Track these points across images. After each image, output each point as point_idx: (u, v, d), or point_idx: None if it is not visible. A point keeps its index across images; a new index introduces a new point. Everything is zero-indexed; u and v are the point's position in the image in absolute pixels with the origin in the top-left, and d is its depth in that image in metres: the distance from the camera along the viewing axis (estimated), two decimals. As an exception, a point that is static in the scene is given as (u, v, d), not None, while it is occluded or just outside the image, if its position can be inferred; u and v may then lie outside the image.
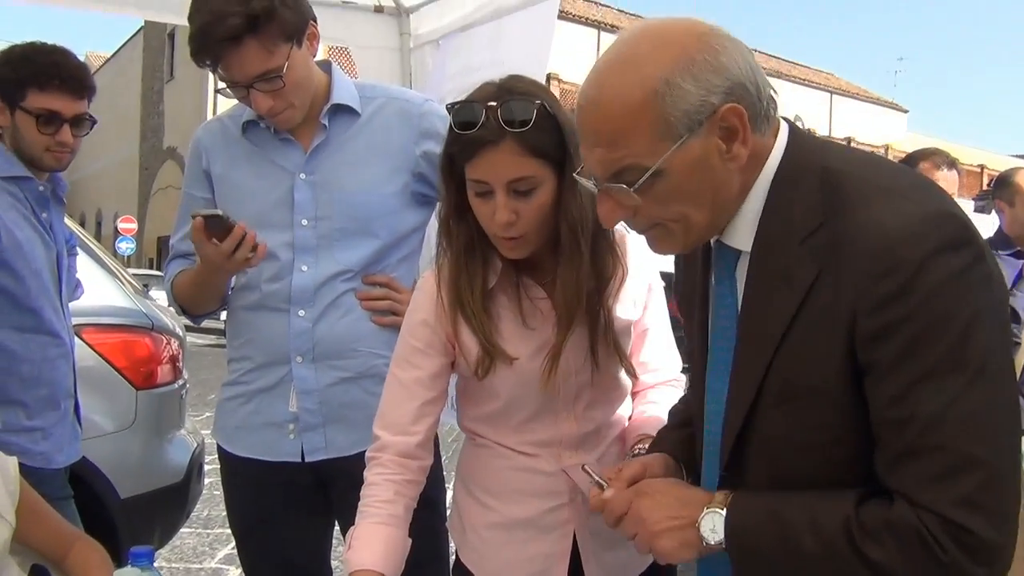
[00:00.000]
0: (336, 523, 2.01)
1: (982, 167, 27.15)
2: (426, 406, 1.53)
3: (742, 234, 1.14)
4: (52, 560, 1.77)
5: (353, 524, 1.48)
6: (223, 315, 2.06)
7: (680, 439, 1.38)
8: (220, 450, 2.00)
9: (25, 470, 1.77)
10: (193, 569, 4.21)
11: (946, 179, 3.23)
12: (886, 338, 0.99)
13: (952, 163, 3.29)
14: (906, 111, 38.60)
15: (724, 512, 1.11)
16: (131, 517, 2.97)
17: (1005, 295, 1.09)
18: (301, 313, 1.86)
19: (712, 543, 1.11)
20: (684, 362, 1.58)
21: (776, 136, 1.12)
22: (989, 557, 0.99)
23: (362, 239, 1.87)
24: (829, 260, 1.03)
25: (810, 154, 1.11)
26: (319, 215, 1.86)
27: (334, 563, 2.15)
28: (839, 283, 1.02)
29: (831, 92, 34.84)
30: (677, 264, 1.39)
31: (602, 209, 1.13)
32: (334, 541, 2.09)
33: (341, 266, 1.86)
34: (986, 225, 3.91)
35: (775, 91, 1.11)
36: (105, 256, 3.57)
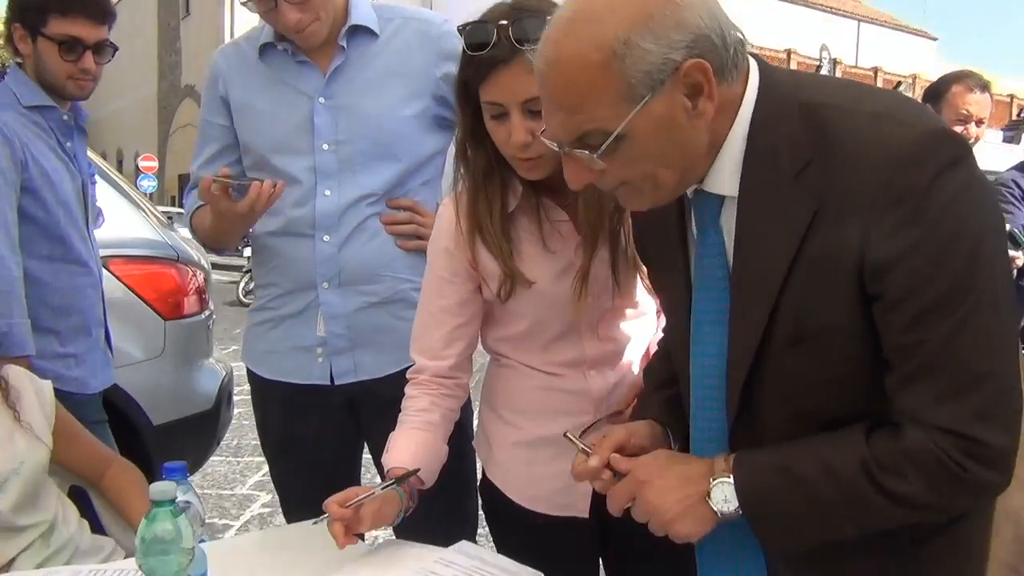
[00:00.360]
0: (366, 446, 2.05)
1: (1011, 96, 26.47)
2: (457, 330, 1.55)
3: (725, 180, 1.11)
4: (89, 480, 1.82)
5: (383, 448, 1.51)
6: (247, 251, 2.07)
7: (663, 401, 1.35)
8: (250, 373, 2.02)
9: (60, 395, 1.81)
10: (225, 495, 4.32)
11: (979, 102, 3.16)
12: (897, 266, 0.99)
13: (985, 85, 3.21)
14: (935, 39, 37.61)
15: (731, 479, 1.11)
16: (164, 443, 3.03)
17: (996, 200, 1.10)
18: (326, 238, 1.86)
19: (727, 512, 1.11)
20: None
21: (747, 80, 1.09)
22: (1002, 463, 1.02)
23: (384, 163, 1.86)
24: (826, 196, 1.02)
25: (785, 92, 1.08)
26: (340, 139, 1.85)
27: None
28: (841, 217, 1.01)
29: (859, 20, 33.93)
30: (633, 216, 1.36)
31: (568, 172, 1.11)
32: (362, 469, 2.13)
33: (364, 190, 1.85)
34: (1014, 155, 3.84)
35: (743, 34, 1.07)
36: (130, 188, 3.59)
